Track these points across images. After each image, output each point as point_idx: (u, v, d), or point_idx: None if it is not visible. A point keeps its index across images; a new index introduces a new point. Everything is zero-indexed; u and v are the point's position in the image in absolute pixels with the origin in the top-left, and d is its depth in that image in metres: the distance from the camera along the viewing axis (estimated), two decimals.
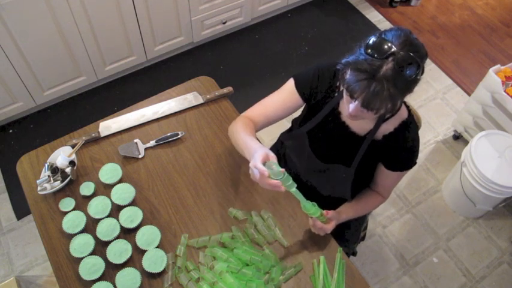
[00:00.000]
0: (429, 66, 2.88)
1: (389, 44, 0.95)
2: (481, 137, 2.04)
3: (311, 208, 1.12)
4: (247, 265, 1.20)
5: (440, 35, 3.07)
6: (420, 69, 0.96)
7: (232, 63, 2.82)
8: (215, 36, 2.92)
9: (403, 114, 1.20)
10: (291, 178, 1.05)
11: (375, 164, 1.29)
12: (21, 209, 2.19)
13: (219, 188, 1.36)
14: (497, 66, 2.15)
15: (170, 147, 1.45)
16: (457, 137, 2.53)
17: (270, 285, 1.16)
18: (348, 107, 1.05)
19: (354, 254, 1.82)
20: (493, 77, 2.10)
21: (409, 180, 2.38)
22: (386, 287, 2.03)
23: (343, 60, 1.00)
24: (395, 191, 2.32)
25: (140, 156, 1.42)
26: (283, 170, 1.02)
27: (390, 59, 0.94)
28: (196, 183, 1.37)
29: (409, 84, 0.98)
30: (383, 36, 0.98)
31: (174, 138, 1.46)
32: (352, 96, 1.00)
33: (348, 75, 0.99)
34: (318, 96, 1.26)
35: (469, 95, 2.69)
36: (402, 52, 0.94)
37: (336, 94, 1.23)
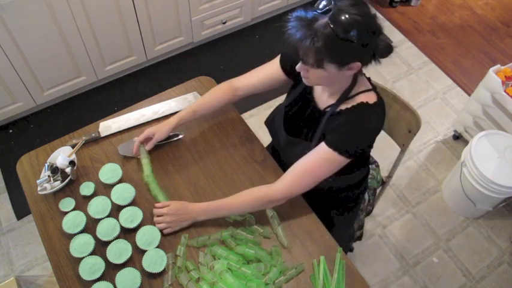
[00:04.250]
0: (429, 66, 2.88)
1: (332, 1, 0.97)
2: (481, 137, 2.04)
3: (159, 194, 1.31)
4: (248, 263, 1.20)
5: (440, 35, 3.07)
6: (354, 33, 0.96)
7: (232, 63, 2.82)
8: (215, 36, 2.92)
9: (369, 97, 1.16)
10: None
11: None
12: (21, 209, 2.19)
13: (219, 188, 1.36)
14: (497, 66, 2.15)
15: (170, 147, 1.45)
16: (457, 137, 2.53)
17: (270, 285, 1.16)
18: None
19: (351, 250, 1.81)
20: (493, 77, 2.10)
21: (409, 180, 2.38)
22: (386, 287, 2.03)
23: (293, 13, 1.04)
24: (395, 191, 2.33)
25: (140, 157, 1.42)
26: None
27: (328, 15, 0.97)
28: (196, 183, 1.37)
29: (339, 46, 0.98)
30: None
31: (174, 138, 1.46)
32: (288, 43, 1.02)
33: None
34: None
35: (469, 95, 2.69)
36: (340, 10, 0.96)
37: None
